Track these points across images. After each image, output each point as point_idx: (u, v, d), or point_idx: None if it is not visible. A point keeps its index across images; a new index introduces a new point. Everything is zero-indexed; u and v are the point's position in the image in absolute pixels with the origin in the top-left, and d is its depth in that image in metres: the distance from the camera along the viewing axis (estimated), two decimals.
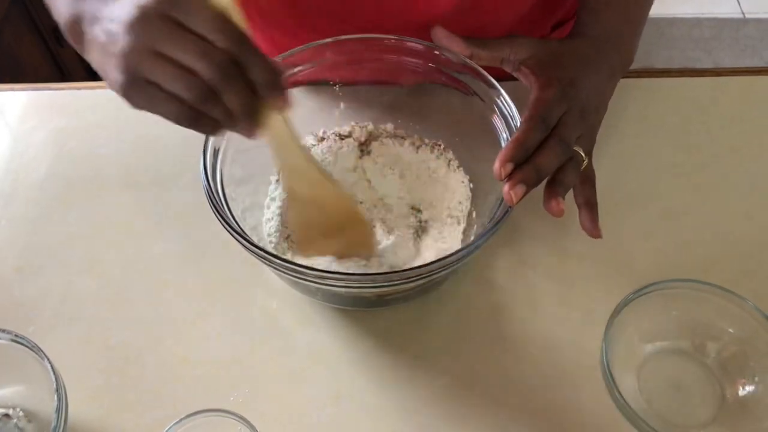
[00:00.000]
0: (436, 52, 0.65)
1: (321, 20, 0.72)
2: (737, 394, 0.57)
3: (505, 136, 0.61)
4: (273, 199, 0.66)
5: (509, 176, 0.54)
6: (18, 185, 0.73)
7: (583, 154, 0.59)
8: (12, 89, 0.82)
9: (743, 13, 2.24)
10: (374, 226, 0.64)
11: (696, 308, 0.59)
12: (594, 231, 0.60)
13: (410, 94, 0.69)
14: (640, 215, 0.69)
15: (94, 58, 0.51)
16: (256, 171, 0.65)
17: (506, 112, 0.62)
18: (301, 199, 0.58)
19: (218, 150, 0.60)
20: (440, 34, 0.65)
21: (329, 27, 0.67)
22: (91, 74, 1.41)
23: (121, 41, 0.46)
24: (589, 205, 0.60)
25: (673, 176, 0.72)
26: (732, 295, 0.57)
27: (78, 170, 0.74)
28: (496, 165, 0.55)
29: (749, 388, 0.57)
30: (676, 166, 0.73)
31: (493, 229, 0.54)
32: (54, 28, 1.24)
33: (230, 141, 0.61)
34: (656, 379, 0.59)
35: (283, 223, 0.65)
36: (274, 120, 0.51)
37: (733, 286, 0.58)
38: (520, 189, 0.54)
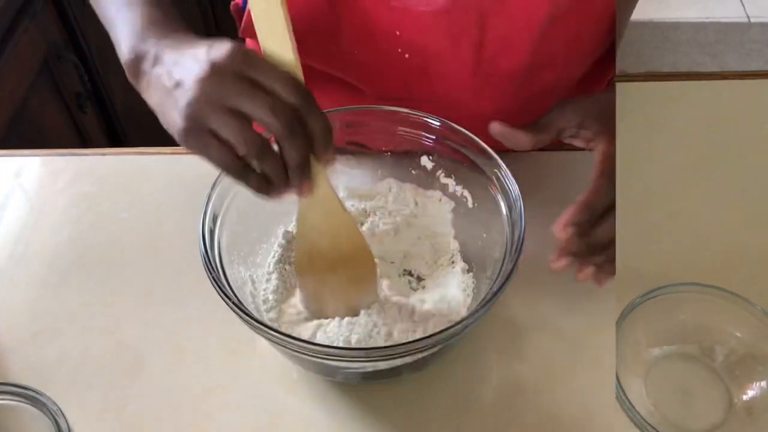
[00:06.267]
0: (439, 125, 0.64)
1: (344, 89, 0.72)
2: (745, 398, 0.57)
3: (503, 206, 0.60)
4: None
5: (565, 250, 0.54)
6: (38, 249, 0.71)
7: None
8: (35, 154, 0.81)
9: (748, 17, 2.24)
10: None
11: (703, 312, 0.59)
12: (582, 276, 0.56)
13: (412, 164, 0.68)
14: (647, 219, 0.69)
15: (153, 96, 0.53)
16: (254, 232, 0.65)
17: (505, 185, 0.60)
18: (313, 228, 0.58)
19: (217, 216, 0.59)
20: (498, 130, 0.62)
21: (348, 99, 0.67)
22: (111, 141, 1.42)
23: (191, 92, 0.48)
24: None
25: (679, 180, 0.72)
26: (739, 299, 0.57)
27: (98, 235, 0.72)
28: (558, 227, 0.54)
29: (757, 392, 0.57)
30: (682, 169, 0.73)
31: (489, 302, 0.53)
32: (77, 94, 1.25)
33: (229, 206, 0.60)
34: (663, 384, 0.58)
35: (285, 261, 0.65)
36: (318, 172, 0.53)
37: (740, 290, 0.58)
38: (569, 265, 0.54)
